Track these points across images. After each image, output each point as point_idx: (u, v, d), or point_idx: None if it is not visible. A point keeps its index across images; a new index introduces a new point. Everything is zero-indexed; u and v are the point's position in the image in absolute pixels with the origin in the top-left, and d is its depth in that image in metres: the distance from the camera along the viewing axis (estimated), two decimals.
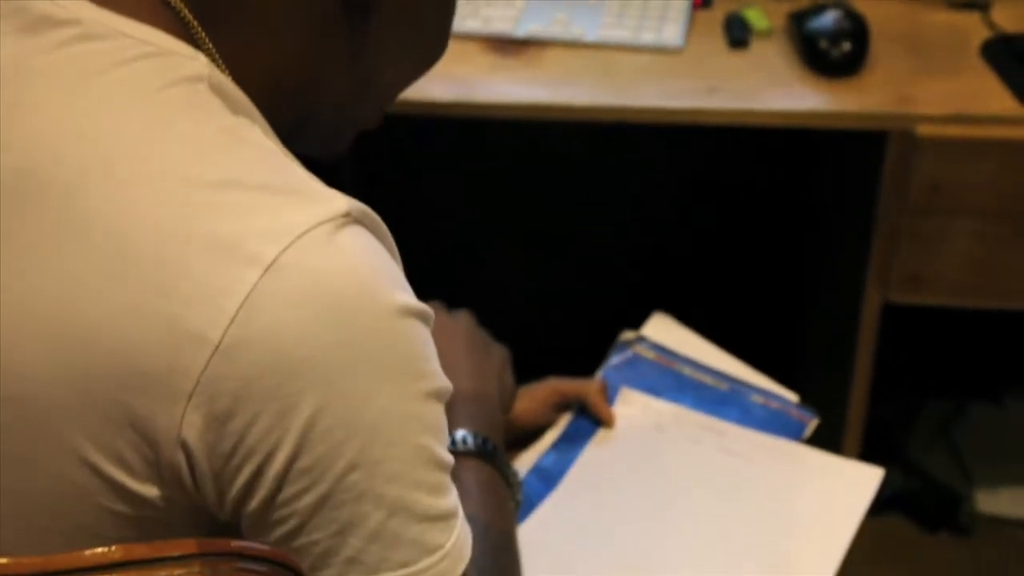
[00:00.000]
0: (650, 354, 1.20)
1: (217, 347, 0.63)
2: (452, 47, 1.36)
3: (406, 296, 0.68)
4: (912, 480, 1.70)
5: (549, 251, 1.87)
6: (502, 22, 1.42)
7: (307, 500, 0.66)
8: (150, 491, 0.67)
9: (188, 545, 0.55)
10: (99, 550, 0.55)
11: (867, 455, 1.36)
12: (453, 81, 1.35)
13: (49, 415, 0.67)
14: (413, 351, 0.67)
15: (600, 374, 1.18)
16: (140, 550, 0.55)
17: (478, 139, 1.77)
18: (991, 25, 1.39)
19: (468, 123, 1.37)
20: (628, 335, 1.21)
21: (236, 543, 0.58)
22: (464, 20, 1.42)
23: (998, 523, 1.68)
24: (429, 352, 0.69)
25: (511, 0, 1.45)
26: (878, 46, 1.36)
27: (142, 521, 0.68)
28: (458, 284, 1.25)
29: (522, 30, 1.41)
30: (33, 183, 0.68)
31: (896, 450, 1.72)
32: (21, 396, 0.67)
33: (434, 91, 1.34)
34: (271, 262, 0.64)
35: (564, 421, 1.15)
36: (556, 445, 1.13)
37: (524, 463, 1.11)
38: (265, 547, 0.59)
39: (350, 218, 0.67)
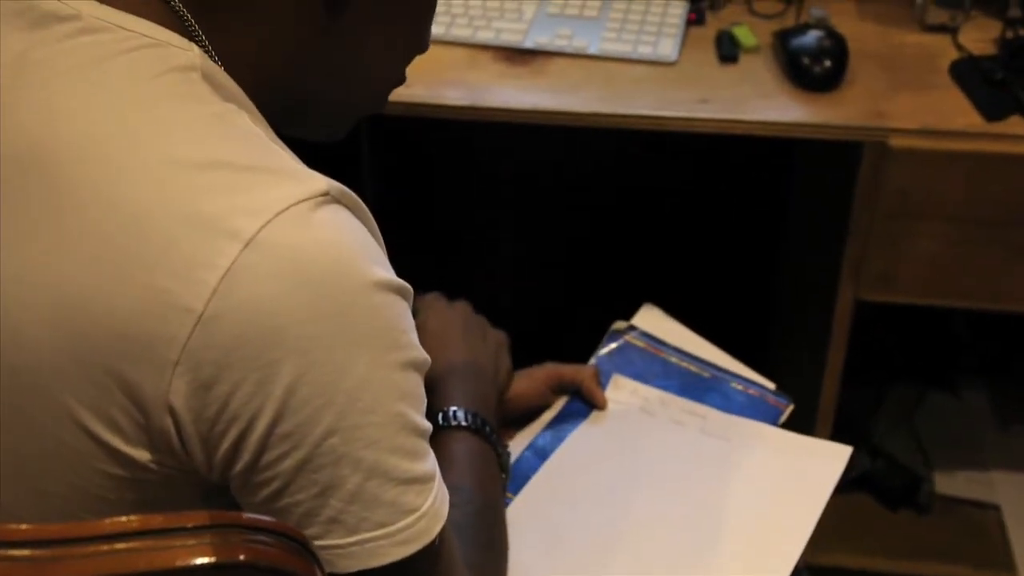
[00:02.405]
0: (640, 343, 1.19)
1: (200, 318, 0.63)
2: (465, 56, 1.40)
3: (383, 271, 0.67)
4: (877, 462, 1.70)
5: (548, 246, 1.86)
6: (511, 34, 1.41)
7: (288, 463, 0.65)
8: (142, 455, 0.67)
9: (201, 517, 0.54)
10: (118, 519, 0.53)
11: (836, 439, 1.36)
12: (466, 87, 1.34)
13: (46, 381, 0.66)
14: (389, 323, 0.66)
15: (594, 360, 1.18)
16: (156, 520, 0.54)
17: (486, 141, 1.76)
18: (959, 47, 1.38)
19: (478, 126, 1.36)
20: (620, 325, 1.21)
21: (246, 516, 0.57)
22: (476, 32, 1.41)
23: (953, 502, 1.68)
24: (406, 324, 0.68)
25: (520, 14, 1.44)
26: (856, 64, 1.35)
27: (137, 483, 0.67)
28: (460, 275, 1.24)
29: (530, 42, 1.41)
30: (33, 163, 0.67)
31: (863, 435, 1.72)
32: (20, 363, 0.66)
33: (449, 96, 1.32)
34: (251, 237, 0.63)
35: (560, 403, 1.14)
36: (551, 424, 1.12)
37: (521, 441, 1.11)
38: (273, 520, 0.58)
39: (329, 197, 0.66)
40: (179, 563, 0.53)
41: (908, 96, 1.31)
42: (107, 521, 0.53)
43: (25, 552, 0.51)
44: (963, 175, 1.27)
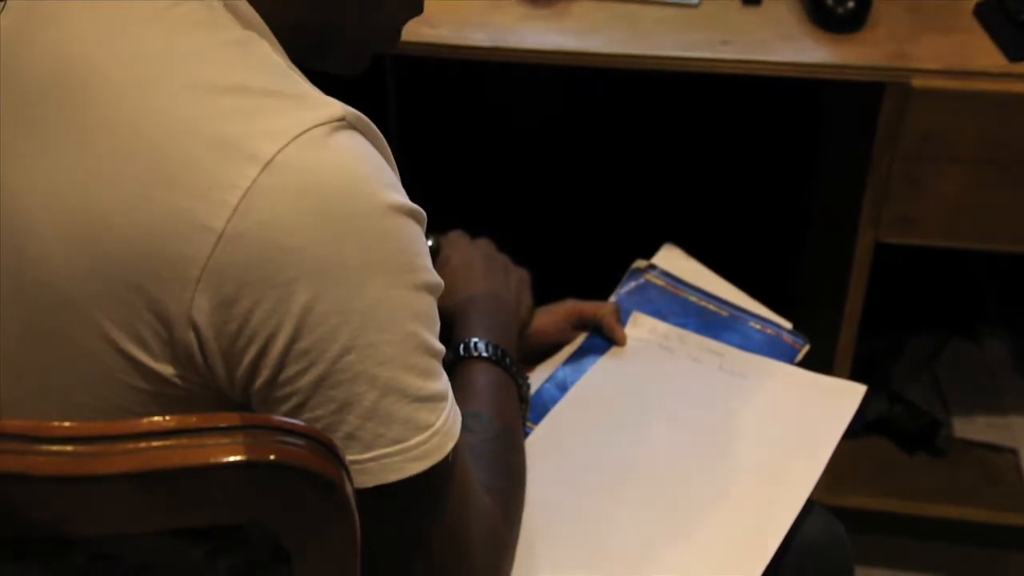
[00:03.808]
0: (660, 281, 1.20)
1: (221, 236, 0.64)
2: None
3: (396, 195, 0.68)
4: (895, 407, 1.70)
5: (572, 186, 1.86)
6: None
7: (306, 379, 0.67)
8: (167, 369, 0.68)
9: (233, 418, 0.57)
10: (155, 419, 0.56)
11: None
12: (490, 29, 1.34)
13: (76, 297, 0.67)
14: (402, 245, 0.68)
15: (614, 298, 1.19)
16: (191, 420, 0.56)
17: (510, 82, 1.76)
18: None
19: (501, 67, 1.36)
20: (640, 263, 1.22)
21: (277, 418, 0.59)
22: None
23: (971, 446, 1.68)
24: (419, 247, 0.69)
25: None
26: (880, 5, 1.34)
27: (161, 397, 0.69)
28: (483, 214, 1.25)
29: None
30: (62, 85, 0.68)
31: (882, 380, 1.72)
32: (51, 280, 0.68)
33: (473, 37, 1.32)
34: (269, 159, 0.64)
35: (580, 339, 1.15)
36: (571, 359, 1.14)
37: (542, 374, 1.12)
38: (302, 423, 0.60)
39: (344, 122, 0.67)
40: (212, 460, 0.55)
41: (931, 37, 1.30)
42: (144, 420, 0.56)
43: (68, 448, 0.54)
44: (985, 116, 1.26)
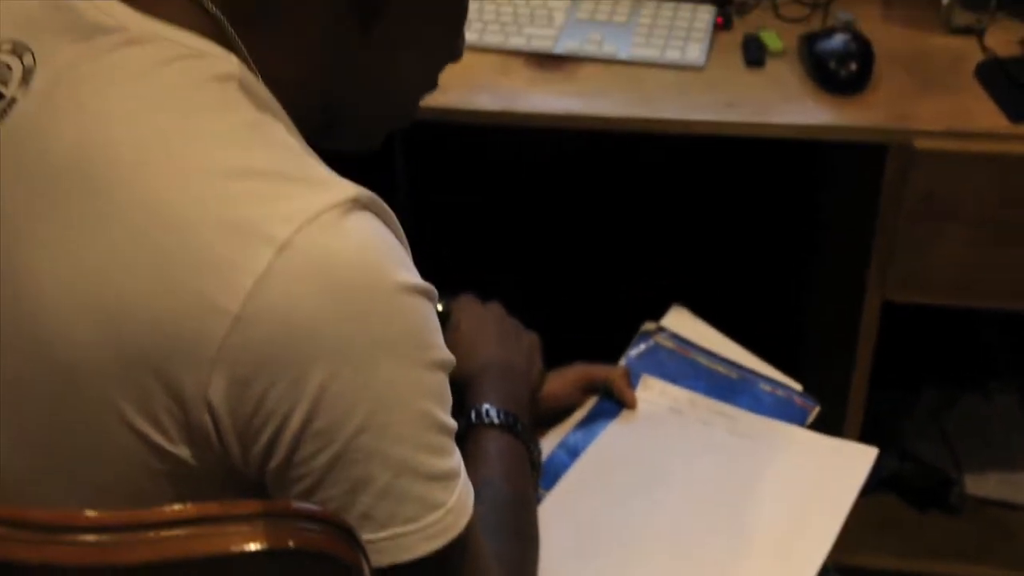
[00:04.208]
0: (669, 344, 1.20)
1: (237, 318, 0.65)
2: (497, 62, 1.43)
3: (409, 274, 0.69)
4: (906, 464, 1.69)
5: (580, 247, 1.87)
6: (542, 40, 1.42)
7: (321, 459, 0.67)
8: (182, 451, 0.68)
9: (252, 505, 0.57)
10: (176, 507, 0.56)
11: (865, 441, 1.36)
12: (498, 93, 1.35)
13: (95, 380, 0.68)
14: (416, 324, 0.68)
15: (624, 361, 1.19)
16: (211, 508, 0.56)
17: (518, 145, 1.77)
18: (985, 49, 1.38)
19: (510, 131, 1.37)
20: (649, 326, 1.22)
21: (295, 505, 0.59)
22: (508, 38, 1.43)
23: (984, 504, 1.67)
24: (432, 326, 0.70)
25: (550, 20, 1.45)
26: (882, 67, 1.35)
27: (177, 477, 0.69)
28: (492, 277, 1.25)
29: (560, 48, 1.41)
30: (78, 169, 0.69)
31: (892, 436, 1.72)
32: (71, 362, 0.68)
33: (481, 101, 1.33)
34: (284, 242, 0.65)
35: (590, 402, 1.15)
36: (582, 423, 1.14)
37: (553, 438, 1.12)
38: (319, 508, 0.60)
39: (358, 203, 0.68)
40: (233, 549, 0.56)
41: (933, 98, 1.30)
42: (166, 508, 0.56)
43: (91, 538, 0.54)
44: (988, 177, 1.27)
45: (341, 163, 0.74)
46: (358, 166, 0.81)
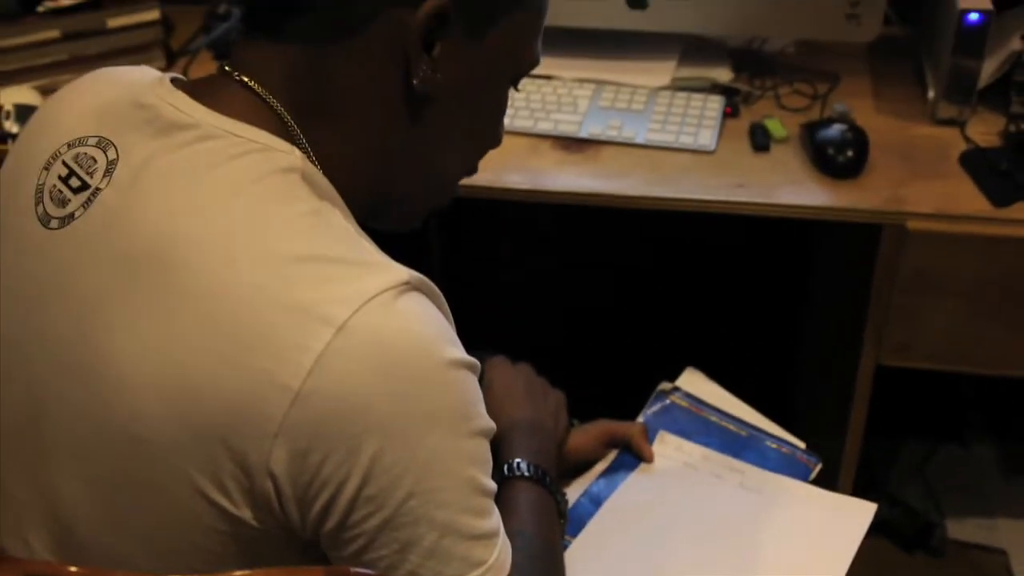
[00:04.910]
0: (683, 403, 1.20)
1: (297, 395, 0.64)
2: (527, 144, 1.44)
3: (456, 351, 0.68)
4: (893, 510, 1.69)
5: (602, 316, 1.86)
6: (568, 125, 1.43)
7: (373, 522, 0.67)
8: (245, 513, 0.68)
9: (315, 572, 0.56)
10: (242, 573, 0.55)
11: (857, 487, 1.38)
12: (528, 172, 1.35)
13: (167, 452, 0.67)
14: (462, 397, 0.68)
15: (642, 418, 1.18)
16: (277, 574, 0.55)
17: (542, 220, 1.78)
18: (967, 139, 1.38)
19: (537, 207, 1.37)
20: (665, 386, 1.22)
21: (354, 570, 0.58)
22: (537, 123, 1.43)
23: (964, 547, 1.66)
24: (476, 397, 0.69)
25: (575, 107, 1.46)
26: (876, 154, 1.35)
27: (240, 537, 0.69)
28: (522, 339, 1.25)
29: (584, 132, 1.42)
30: (156, 258, 0.69)
31: (880, 484, 1.72)
32: (145, 436, 0.68)
33: (512, 180, 1.34)
34: (342, 323, 0.64)
35: (611, 456, 1.15)
36: (605, 474, 1.13)
37: (577, 488, 1.12)
38: (374, 573, 0.59)
39: (409, 286, 0.68)
40: None
41: (923, 183, 1.30)
42: (236, 574, 0.55)
43: None
44: (973, 255, 1.27)
45: (379, 237, 0.74)
46: (395, 240, 0.80)
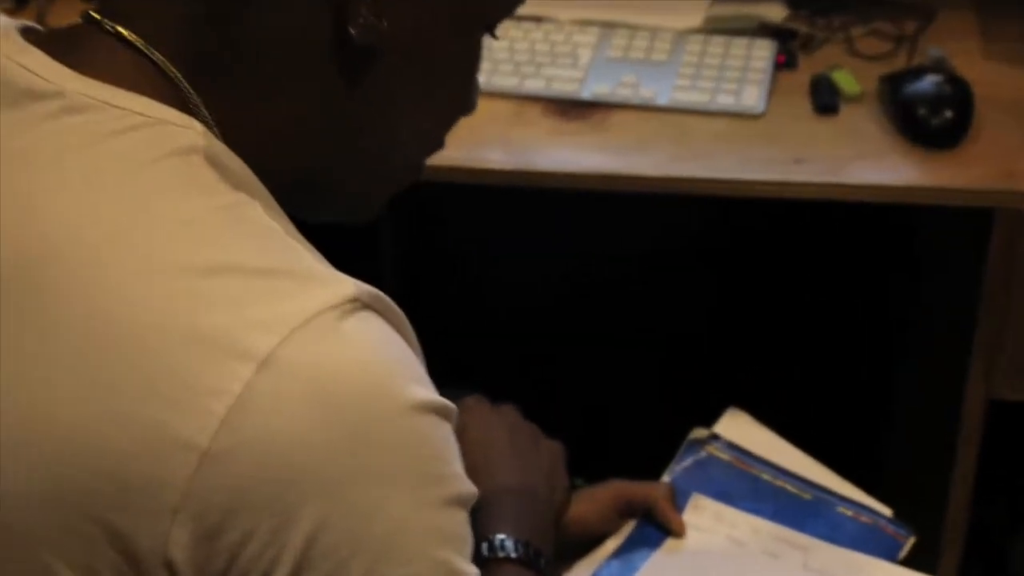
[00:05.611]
0: (724, 455, 1.19)
1: (205, 454, 0.63)
2: (511, 109, 1.43)
3: (423, 390, 0.68)
4: None
5: (608, 337, 1.87)
6: (566, 83, 1.42)
7: None
8: None
9: None
10: None
11: (968, 569, 1.38)
12: (511, 146, 1.36)
13: (21, 527, 0.67)
14: (430, 452, 0.68)
15: (668, 476, 1.16)
16: None
17: (534, 210, 1.77)
18: None
19: (526, 193, 1.38)
20: (700, 433, 1.21)
21: None
22: (524, 80, 1.43)
23: None
24: (449, 453, 0.69)
25: (575, 60, 1.45)
26: (983, 114, 1.34)
27: None
28: (503, 374, 1.26)
29: (587, 92, 1.42)
30: (15, 273, 0.68)
31: (998, 563, 1.69)
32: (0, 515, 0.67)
33: (489, 157, 1.34)
34: (265, 357, 0.64)
35: (627, 528, 1.14)
36: (618, 554, 1.13)
37: (582, 573, 1.11)
38: None
39: (358, 303, 0.67)
40: None
41: None
42: None
43: None
44: None
45: (310, 236, 0.74)
46: (329, 240, 0.80)
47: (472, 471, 1.02)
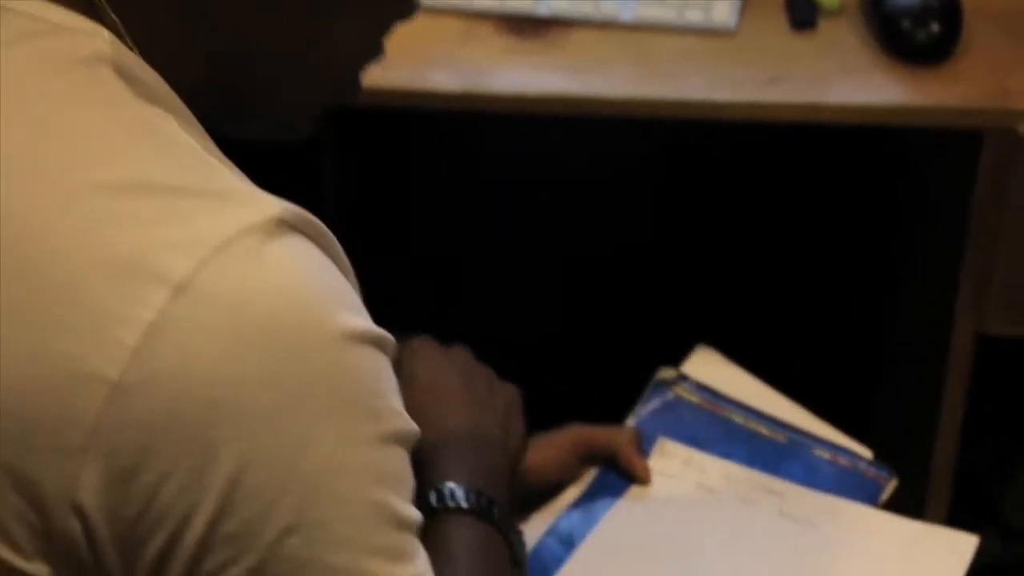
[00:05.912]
0: (693, 397, 1.19)
1: (115, 388, 0.63)
2: (460, 27, 1.41)
3: (355, 318, 0.68)
4: (1009, 546, 1.68)
5: (568, 271, 1.87)
6: None
7: (234, 573, 0.66)
8: (39, 568, 0.66)
9: None
10: None
11: (956, 518, 1.38)
12: (460, 67, 1.35)
13: None
14: (364, 385, 0.67)
15: (632, 420, 1.16)
16: None
17: (489, 137, 1.78)
18: None
19: (477, 117, 1.38)
20: (666, 373, 1.19)
21: None
22: None
23: None
24: (385, 386, 0.69)
25: None
26: (973, 27, 1.34)
27: None
28: (455, 313, 1.23)
29: (544, 8, 1.40)
30: None
31: (991, 511, 1.72)
32: None
33: (437, 79, 1.33)
34: (181, 281, 0.64)
35: (589, 476, 1.13)
36: (579, 503, 1.13)
37: (540, 524, 1.11)
38: None
39: (284, 225, 0.67)
40: None
41: None
42: None
43: None
44: None
45: (244, 161, 0.73)
46: (269, 166, 0.80)
47: (420, 416, 1.01)
